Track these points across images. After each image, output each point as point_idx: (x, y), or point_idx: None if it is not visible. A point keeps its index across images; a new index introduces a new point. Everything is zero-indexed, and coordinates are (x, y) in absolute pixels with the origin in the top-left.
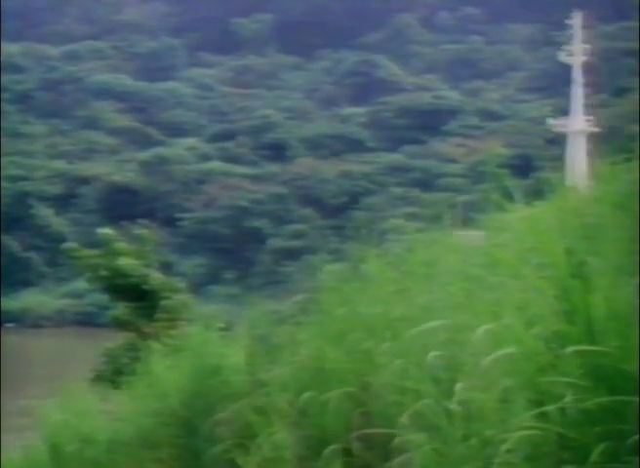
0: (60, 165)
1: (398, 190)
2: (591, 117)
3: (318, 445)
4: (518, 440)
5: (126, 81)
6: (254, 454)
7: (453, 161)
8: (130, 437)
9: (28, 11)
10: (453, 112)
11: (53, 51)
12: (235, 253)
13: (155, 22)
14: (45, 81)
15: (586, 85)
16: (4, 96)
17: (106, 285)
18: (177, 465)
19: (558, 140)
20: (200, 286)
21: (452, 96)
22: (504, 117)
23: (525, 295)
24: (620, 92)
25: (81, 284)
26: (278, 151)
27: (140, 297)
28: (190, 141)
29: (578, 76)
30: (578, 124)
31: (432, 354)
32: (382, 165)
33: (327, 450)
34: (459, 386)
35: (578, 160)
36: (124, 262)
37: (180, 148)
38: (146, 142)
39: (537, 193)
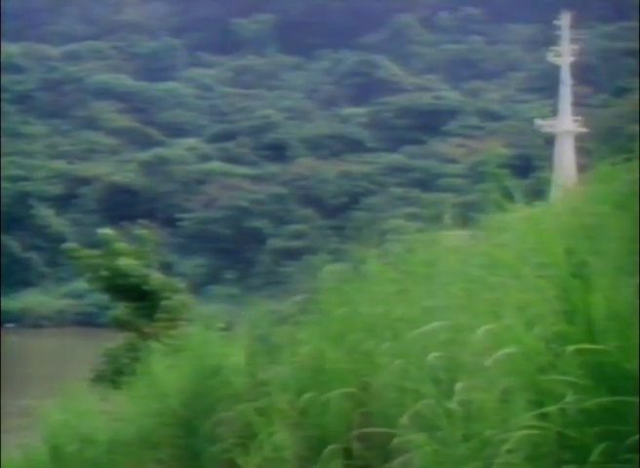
0: (60, 165)
1: (398, 190)
2: (579, 117)
3: (318, 445)
4: (518, 440)
5: (126, 81)
6: (254, 454)
7: (453, 161)
8: (130, 437)
9: (28, 11)
10: (453, 112)
11: (53, 51)
12: (235, 254)
13: (155, 22)
14: (45, 81)
15: (577, 85)
16: (4, 96)
17: (106, 285)
18: (177, 465)
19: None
20: (200, 286)
21: (452, 96)
22: (504, 117)
23: (525, 295)
24: (620, 92)
25: (81, 284)
26: (278, 151)
27: (140, 298)
28: (190, 142)
29: (565, 77)
30: (565, 124)
31: (432, 354)
32: (383, 165)
33: (327, 451)
34: (459, 386)
35: (566, 160)
36: (124, 263)
37: (180, 148)
38: (146, 143)
39: (537, 193)
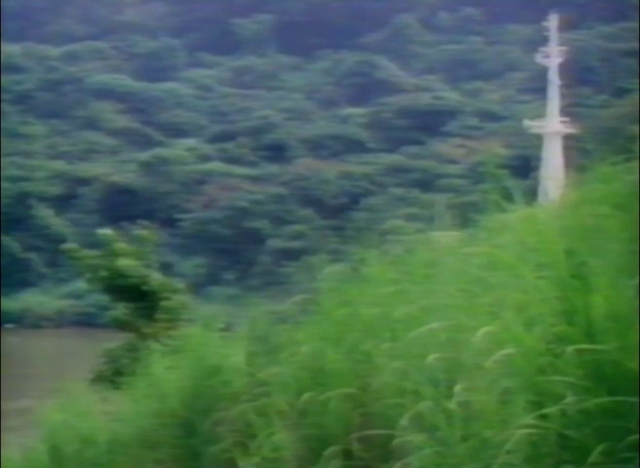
0: (59, 165)
1: (398, 191)
2: (567, 118)
3: (318, 445)
4: (518, 440)
5: (126, 81)
6: (254, 455)
7: (453, 162)
8: (130, 437)
9: (28, 11)
10: (452, 113)
11: (53, 51)
12: (235, 254)
13: (155, 22)
14: (45, 81)
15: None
16: (4, 96)
17: (106, 285)
18: (177, 465)
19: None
20: (200, 286)
21: (452, 96)
22: (504, 118)
23: (525, 296)
24: (620, 92)
25: (81, 284)
26: (278, 152)
27: (139, 298)
28: (190, 142)
29: (553, 78)
30: (554, 125)
31: (432, 355)
32: (382, 165)
33: (327, 451)
34: (458, 387)
35: (553, 161)
36: (124, 263)
37: (179, 149)
38: (146, 143)
39: (536, 193)
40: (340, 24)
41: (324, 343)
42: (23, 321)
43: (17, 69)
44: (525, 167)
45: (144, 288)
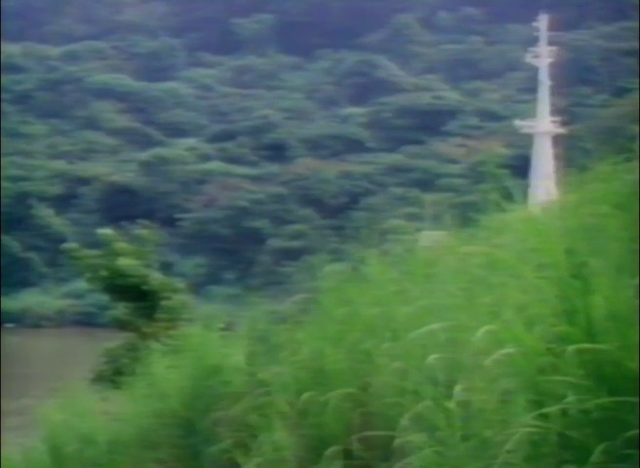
0: (60, 165)
1: (398, 190)
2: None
3: (318, 445)
4: (519, 440)
5: (126, 81)
6: (254, 454)
7: (453, 161)
8: (130, 437)
9: (28, 11)
10: (453, 112)
11: (53, 51)
12: (235, 254)
13: (155, 22)
14: (45, 81)
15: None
16: (4, 96)
17: (106, 285)
18: (177, 465)
19: (557, 141)
20: (200, 286)
21: (452, 96)
22: (504, 117)
23: (525, 296)
24: (620, 92)
25: (81, 284)
26: (278, 151)
27: (139, 298)
28: (190, 142)
29: (544, 78)
30: (544, 125)
31: (432, 355)
32: (382, 165)
33: (327, 451)
34: (458, 387)
35: (543, 161)
36: (124, 263)
37: (179, 148)
38: (146, 143)
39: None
40: (340, 24)
41: (324, 343)
42: (23, 321)
43: (17, 69)
44: (525, 167)
45: (144, 287)
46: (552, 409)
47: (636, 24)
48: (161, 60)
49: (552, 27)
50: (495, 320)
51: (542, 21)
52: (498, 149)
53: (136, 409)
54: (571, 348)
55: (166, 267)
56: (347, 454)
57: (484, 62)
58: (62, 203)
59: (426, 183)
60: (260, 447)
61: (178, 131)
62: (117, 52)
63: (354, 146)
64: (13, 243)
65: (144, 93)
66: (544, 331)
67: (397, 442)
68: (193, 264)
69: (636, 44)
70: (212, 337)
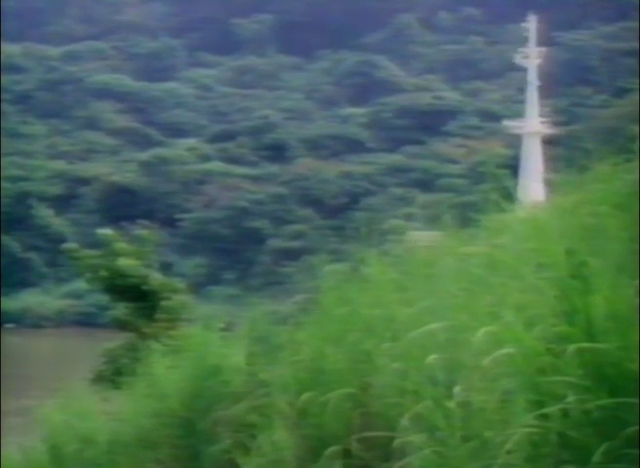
0: (60, 165)
1: (398, 191)
2: (546, 119)
3: (318, 445)
4: (519, 440)
5: (126, 81)
6: (254, 455)
7: (453, 161)
8: (130, 437)
9: (28, 11)
10: (453, 113)
11: (53, 51)
12: (235, 254)
13: (155, 22)
14: (45, 81)
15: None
16: (4, 96)
17: (106, 285)
18: (177, 465)
19: (557, 141)
20: (200, 286)
21: (452, 96)
22: (504, 117)
23: (525, 296)
24: (620, 92)
25: (81, 284)
26: (278, 152)
27: (139, 298)
28: (190, 142)
29: (532, 78)
30: (533, 126)
31: (432, 356)
32: (383, 165)
33: (327, 451)
34: (458, 387)
35: (532, 161)
36: (124, 263)
37: (179, 149)
38: (146, 143)
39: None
40: (340, 24)
41: (324, 343)
42: (23, 321)
43: (17, 69)
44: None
45: (144, 287)
46: (552, 409)
47: (636, 24)
48: (161, 61)
49: (552, 28)
50: (495, 320)
51: (532, 22)
52: (497, 149)
53: (135, 410)
54: (571, 348)
55: (166, 267)
56: (347, 454)
57: (484, 62)
58: (62, 203)
59: (426, 184)
60: (260, 447)
61: (178, 131)
62: (117, 52)
63: (354, 146)
64: (13, 243)
65: (144, 93)
66: (544, 332)
67: (397, 442)
68: (193, 264)
69: (636, 44)
70: (212, 338)
